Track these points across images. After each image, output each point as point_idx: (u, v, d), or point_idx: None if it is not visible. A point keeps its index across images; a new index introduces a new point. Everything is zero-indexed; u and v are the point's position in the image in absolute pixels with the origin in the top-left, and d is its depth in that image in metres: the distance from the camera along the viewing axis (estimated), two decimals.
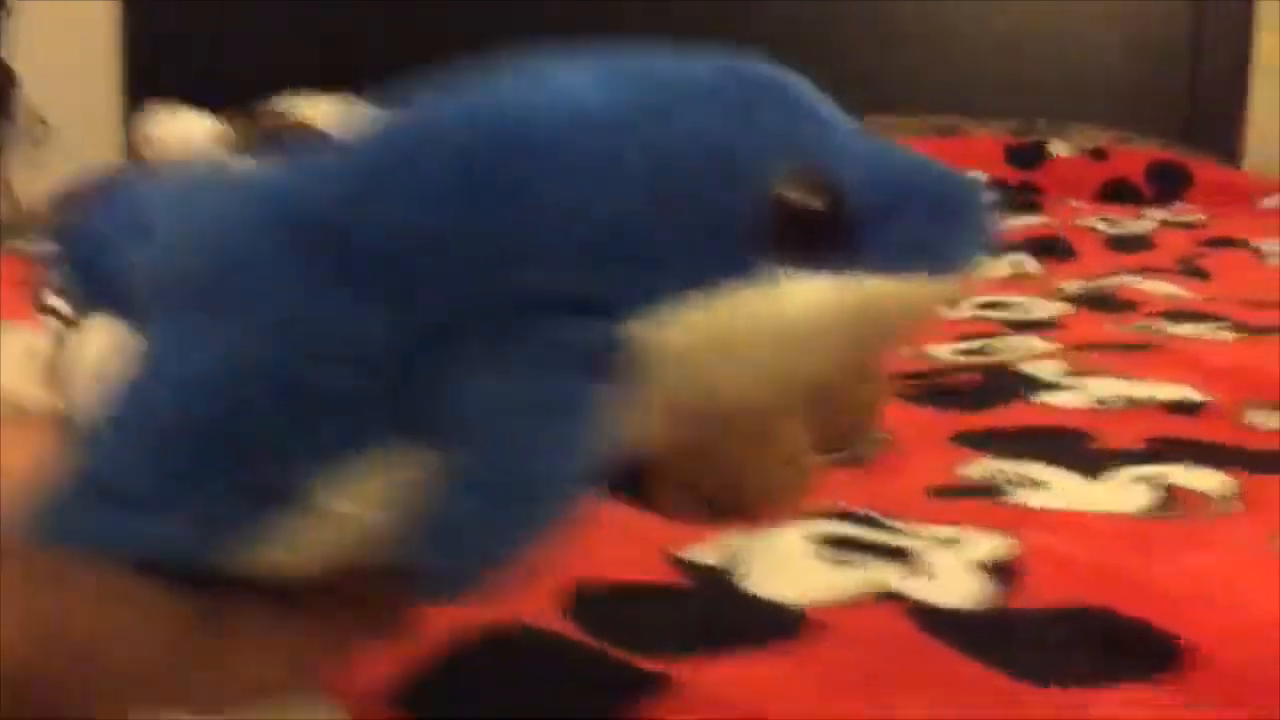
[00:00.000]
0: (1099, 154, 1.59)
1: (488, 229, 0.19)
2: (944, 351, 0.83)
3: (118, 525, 0.20)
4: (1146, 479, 0.53)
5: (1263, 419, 0.65)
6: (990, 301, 1.03)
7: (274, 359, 0.20)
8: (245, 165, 0.23)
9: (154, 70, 2.07)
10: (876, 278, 0.20)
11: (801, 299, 0.20)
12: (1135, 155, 1.60)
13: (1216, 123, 1.89)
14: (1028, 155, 1.60)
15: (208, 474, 0.20)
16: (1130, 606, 0.38)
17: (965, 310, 1.01)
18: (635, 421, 0.20)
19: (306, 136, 0.46)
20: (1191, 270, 1.18)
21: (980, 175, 1.57)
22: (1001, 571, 0.41)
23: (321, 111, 0.42)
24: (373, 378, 0.20)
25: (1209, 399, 0.68)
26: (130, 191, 0.25)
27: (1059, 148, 1.60)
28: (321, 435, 0.20)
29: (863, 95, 1.79)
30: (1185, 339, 0.83)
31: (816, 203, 0.20)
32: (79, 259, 0.24)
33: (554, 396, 0.19)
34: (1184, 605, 0.38)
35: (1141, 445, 0.58)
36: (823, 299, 0.20)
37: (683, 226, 0.20)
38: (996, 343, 0.85)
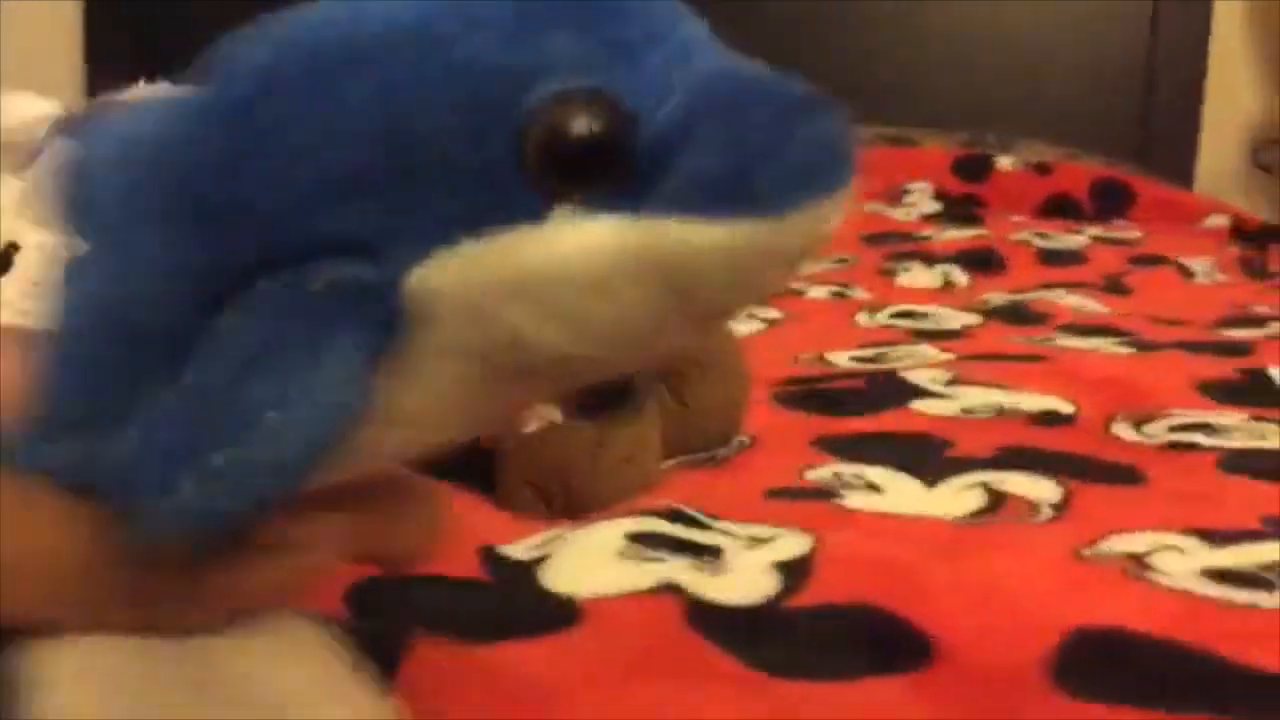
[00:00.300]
0: (1043, 169, 1.59)
1: (256, 168, 0.19)
2: (841, 358, 0.83)
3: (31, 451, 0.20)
4: (980, 485, 0.54)
5: (1126, 431, 0.66)
6: (905, 311, 1.04)
7: (111, 295, 0.20)
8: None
9: (117, 56, 2.07)
10: (667, 218, 0.18)
11: (577, 240, 0.18)
12: (1079, 171, 1.61)
13: (1169, 143, 1.90)
14: (974, 168, 1.60)
15: (73, 400, 0.21)
16: (902, 605, 0.38)
17: (878, 319, 1.02)
18: (430, 374, 0.19)
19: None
20: (1115, 287, 1.19)
21: (925, 185, 1.60)
22: (793, 570, 0.41)
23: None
24: (186, 315, 0.19)
25: (1077, 411, 0.69)
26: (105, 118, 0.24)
27: (1004, 162, 1.61)
28: (143, 371, 0.19)
29: None
30: (1078, 352, 0.83)
31: (590, 130, 0.18)
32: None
33: (287, 337, 0.18)
34: (955, 606, 0.38)
35: (990, 453, 0.59)
36: (601, 240, 0.18)
37: (449, 163, 0.18)
38: (894, 351, 0.85)
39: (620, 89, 0.18)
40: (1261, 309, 1.10)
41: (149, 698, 0.21)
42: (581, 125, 0.18)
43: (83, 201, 0.21)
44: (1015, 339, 0.91)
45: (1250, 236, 1.49)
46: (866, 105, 1.86)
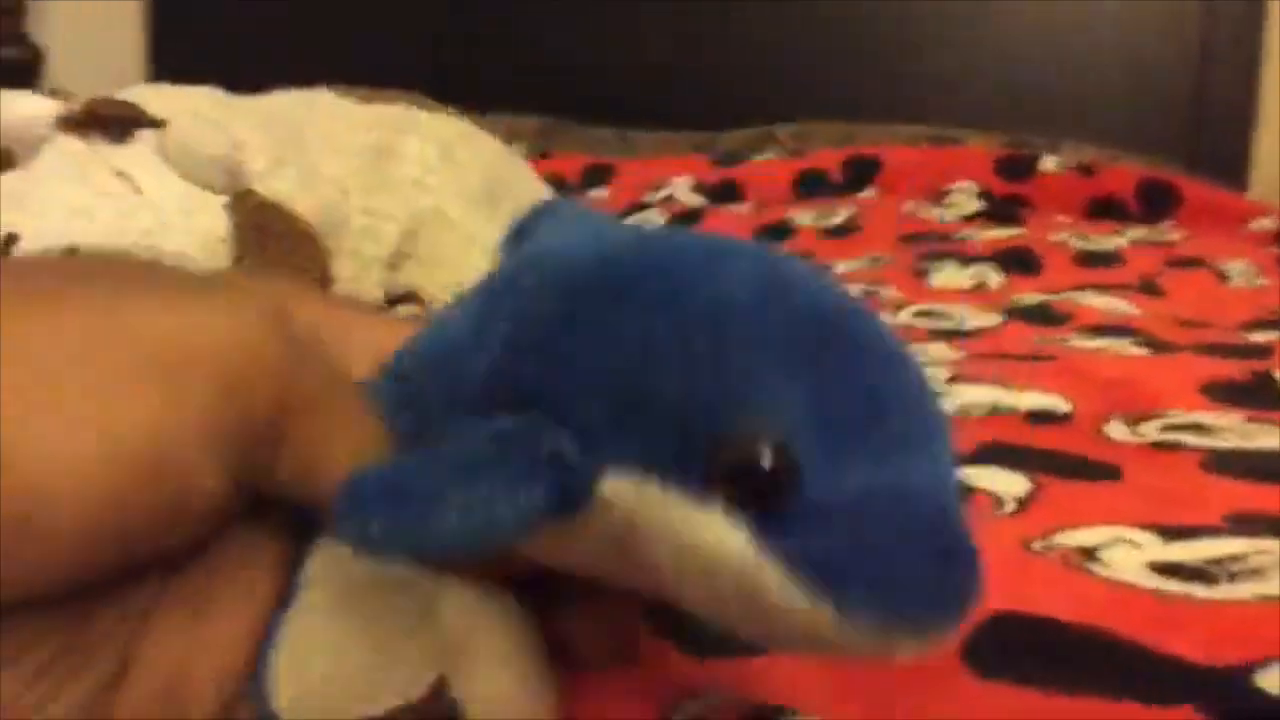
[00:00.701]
0: (1086, 170, 1.58)
1: (566, 342, 0.24)
2: None
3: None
4: None
5: (1119, 430, 0.66)
6: (927, 310, 1.04)
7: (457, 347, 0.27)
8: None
9: (179, 48, 2.12)
10: (780, 564, 0.21)
11: (716, 532, 0.22)
12: (1125, 173, 1.59)
13: (1223, 143, 1.87)
14: (1017, 168, 1.60)
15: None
16: None
17: (900, 318, 1.03)
18: (573, 546, 0.25)
19: (129, 118, 0.49)
20: (1149, 288, 1.18)
21: (969, 185, 1.59)
22: None
23: (168, 101, 0.45)
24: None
25: (1074, 409, 0.69)
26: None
27: (1048, 163, 1.60)
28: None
29: (862, 104, 1.82)
30: (1089, 352, 0.83)
31: (767, 468, 0.22)
32: None
33: (508, 471, 0.23)
34: None
35: (972, 449, 0.59)
36: (731, 543, 0.22)
37: (671, 427, 0.23)
38: None
39: (809, 454, 0.22)
40: None
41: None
42: (759, 461, 0.22)
43: (495, 273, 0.29)
44: (1032, 339, 0.91)
45: None
46: (912, 104, 1.87)
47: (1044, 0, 1.91)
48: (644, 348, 0.23)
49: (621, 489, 0.23)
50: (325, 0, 2.13)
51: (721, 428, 0.22)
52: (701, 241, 0.26)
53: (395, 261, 0.52)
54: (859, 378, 0.23)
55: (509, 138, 1.85)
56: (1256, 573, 0.43)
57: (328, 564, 0.27)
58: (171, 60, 2.13)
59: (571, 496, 0.23)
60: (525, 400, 0.24)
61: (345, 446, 0.26)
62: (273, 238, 0.47)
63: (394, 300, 0.52)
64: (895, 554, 0.21)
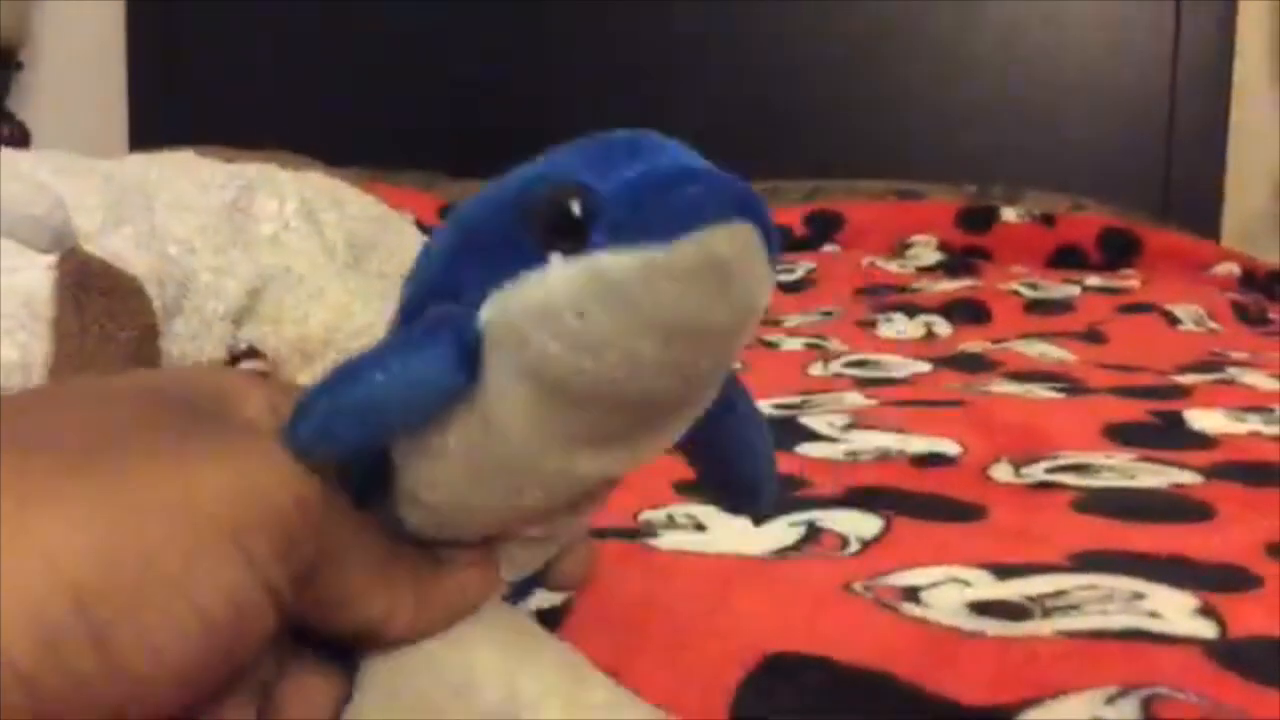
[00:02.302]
0: (1048, 220, 1.58)
1: (431, 244, 0.30)
2: (763, 406, 0.84)
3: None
4: (806, 523, 0.54)
5: (1002, 472, 0.65)
6: (859, 360, 1.04)
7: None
8: None
9: (160, 124, 2.15)
10: (606, 252, 0.25)
11: (557, 275, 0.26)
12: (1086, 222, 1.59)
13: (1194, 189, 1.87)
14: (977, 220, 1.60)
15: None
16: (625, 638, 0.39)
17: (831, 368, 1.02)
18: (506, 389, 0.27)
19: None
20: (1093, 335, 1.18)
21: (928, 238, 1.60)
22: (549, 614, 0.42)
23: (3, 164, 0.46)
24: None
25: (963, 453, 0.68)
26: None
27: (1009, 214, 1.60)
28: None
29: (830, 160, 1.83)
30: (998, 398, 0.83)
31: (565, 203, 0.26)
32: None
33: (411, 340, 0.27)
34: (665, 634, 0.39)
35: (840, 492, 0.59)
36: (569, 274, 0.26)
37: (499, 241, 0.27)
38: (817, 398, 0.85)
39: (589, 179, 0.27)
40: (1239, 354, 1.08)
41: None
42: (557, 202, 0.26)
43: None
44: (952, 385, 0.90)
45: (1256, 284, 1.47)
46: (880, 158, 1.88)
47: (1011, 53, 1.93)
48: (471, 205, 0.29)
49: (492, 311, 0.27)
50: (306, 71, 2.17)
51: (528, 203, 0.27)
52: None
53: (239, 318, 0.52)
54: (622, 138, 0.28)
55: None
56: (1073, 608, 0.43)
57: (373, 675, 0.31)
58: (152, 134, 2.16)
59: (465, 339, 0.27)
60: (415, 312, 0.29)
61: (361, 582, 0.29)
62: (94, 295, 0.47)
63: (237, 356, 0.53)
64: (668, 185, 0.26)
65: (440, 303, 0.28)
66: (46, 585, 0.23)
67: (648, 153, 0.27)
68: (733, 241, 0.25)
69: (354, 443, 0.27)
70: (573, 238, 0.26)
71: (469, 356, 0.27)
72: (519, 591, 0.34)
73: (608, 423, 0.28)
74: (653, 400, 0.28)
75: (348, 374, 0.27)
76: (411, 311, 0.29)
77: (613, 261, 0.25)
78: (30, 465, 0.25)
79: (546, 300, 0.26)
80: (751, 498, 0.35)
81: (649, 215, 0.25)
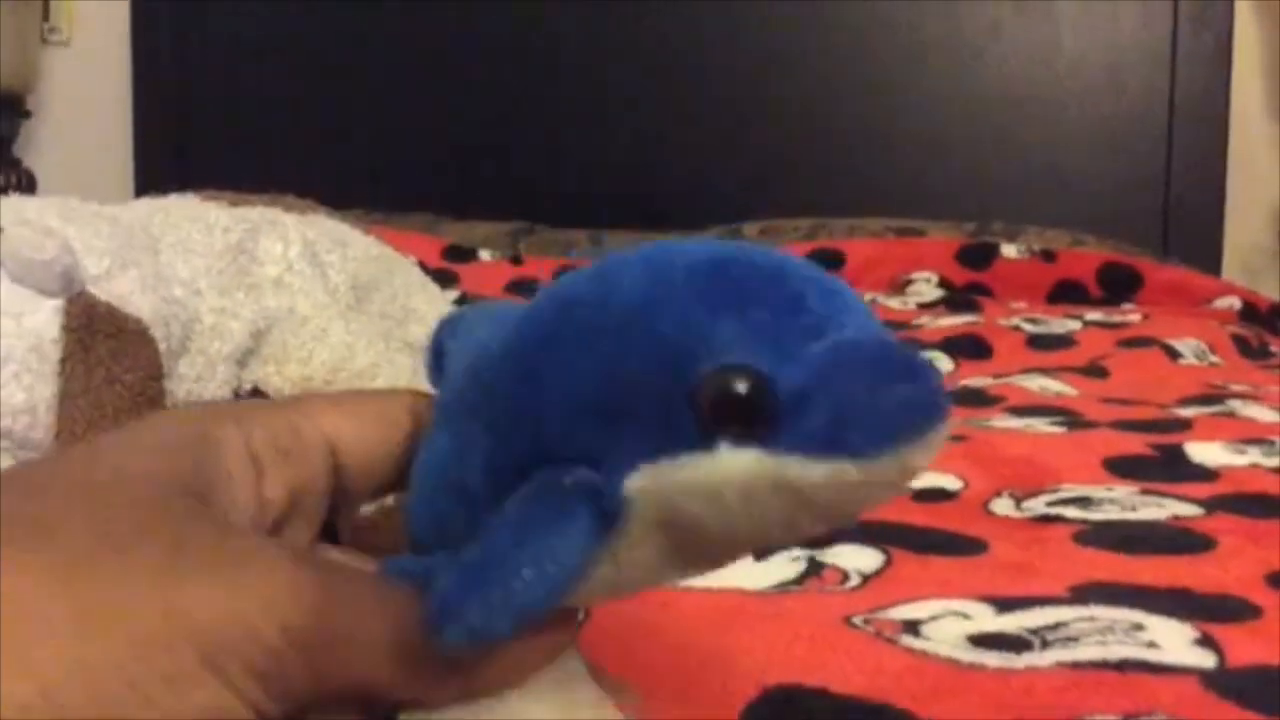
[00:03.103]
0: (1048, 256, 1.59)
1: (535, 395, 0.27)
2: None
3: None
4: (807, 557, 0.54)
5: (1004, 506, 0.65)
6: None
7: (448, 463, 0.30)
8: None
9: (166, 170, 2.17)
10: (793, 456, 0.24)
11: (732, 463, 0.25)
12: (1086, 257, 1.60)
13: (1194, 224, 1.88)
14: (977, 256, 1.61)
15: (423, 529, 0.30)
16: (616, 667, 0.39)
17: None
18: (638, 552, 0.27)
19: None
20: (1094, 370, 1.18)
21: (929, 275, 1.60)
22: None
23: (8, 210, 0.47)
24: (488, 488, 0.28)
25: (964, 487, 0.69)
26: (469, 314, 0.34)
27: (1009, 250, 1.61)
28: (467, 521, 0.28)
29: (830, 198, 1.84)
30: (1000, 432, 0.83)
31: (739, 391, 0.24)
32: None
33: (549, 517, 0.26)
34: (670, 665, 0.39)
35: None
36: (747, 466, 0.24)
37: (653, 409, 0.25)
38: None
39: (763, 362, 0.25)
40: (1239, 387, 1.08)
41: None
42: (733, 388, 0.25)
43: (441, 395, 0.32)
44: (953, 420, 0.91)
45: (1258, 318, 1.47)
46: (880, 195, 1.89)
47: (1010, 90, 1.94)
48: (596, 359, 0.26)
49: (643, 482, 0.25)
50: (310, 116, 2.19)
51: (692, 381, 0.25)
52: (589, 271, 0.29)
53: (243, 359, 0.53)
54: (770, 290, 0.26)
55: (484, 241, 1.89)
56: (1073, 640, 0.43)
57: None
58: (158, 181, 2.17)
59: (609, 512, 0.26)
60: (527, 467, 0.27)
61: (390, 674, 0.27)
62: (100, 338, 0.48)
63: (241, 397, 0.53)
64: (868, 389, 0.24)
65: (570, 462, 0.26)
66: (25, 694, 0.24)
67: (814, 310, 0.26)
68: (932, 452, 0.24)
69: (508, 637, 0.26)
70: (745, 423, 0.24)
71: (610, 523, 0.26)
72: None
73: (729, 556, 0.28)
74: (753, 546, 0.28)
75: (495, 569, 0.26)
76: (533, 457, 0.27)
77: (800, 470, 0.24)
78: (23, 573, 0.25)
79: (714, 486, 0.25)
80: None
81: (847, 429, 0.24)
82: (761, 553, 0.55)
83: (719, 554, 0.28)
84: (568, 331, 0.27)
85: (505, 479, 0.27)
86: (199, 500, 0.28)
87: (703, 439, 0.25)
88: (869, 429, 0.24)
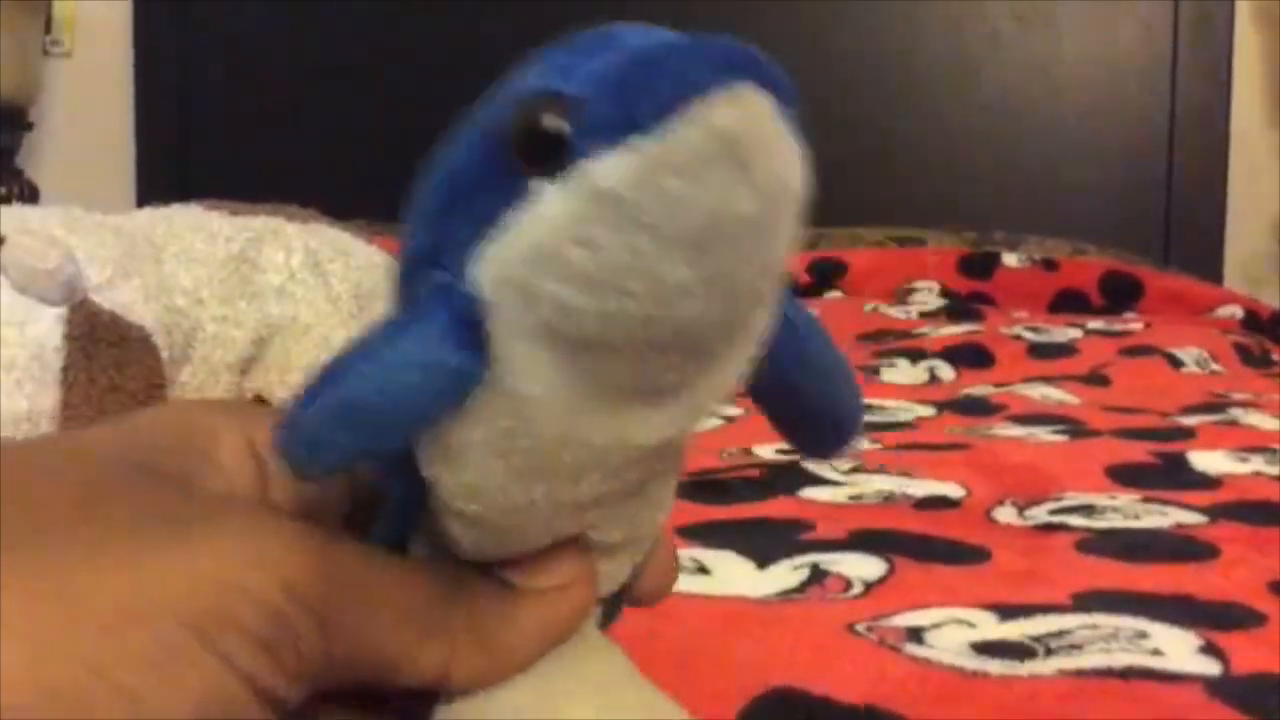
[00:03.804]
0: (1050, 265, 1.59)
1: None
2: (767, 450, 0.84)
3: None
4: (809, 565, 0.54)
5: (1007, 514, 0.65)
6: (865, 404, 1.04)
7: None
8: None
9: (167, 180, 2.17)
10: (594, 162, 0.21)
11: (552, 205, 0.21)
12: (1087, 266, 1.60)
13: (1195, 232, 1.88)
14: (979, 266, 1.61)
15: None
16: None
17: None
18: (522, 357, 0.23)
19: None
20: (1095, 378, 1.18)
21: (931, 284, 1.60)
22: None
23: (10, 220, 0.47)
24: None
25: (967, 495, 0.69)
26: None
27: (1010, 259, 1.61)
28: None
29: (831, 207, 1.84)
30: (1002, 441, 0.83)
31: (531, 123, 0.22)
32: None
33: (394, 322, 0.23)
34: (666, 669, 0.39)
35: (842, 536, 0.59)
36: (564, 200, 0.21)
37: (473, 184, 0.23)
38: None
39: (560, 84, 0.22)
40: (1242, 395, 1.08)
41: None
42: (530, 118, 0.22)
43: None
44: (955, 429, 0.91)
45: (1260, 326, 1.47)
46: (882, 207, 1.89)
47: (1010, 101, 1.95)
48: (436, 159, 0.24)
49: (489, 270, 0.23)
50: (312, 126, 2.19)
51: (503, 129, 0.22)
52: None
53: (245, 367, 0.53)
54: (589, 34, 0.24)
55: None
56: (1075, 647, 0.43)
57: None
58: (160, 191, 2.18)
59: (464, 312, 0.23)
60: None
61: (404, 639, 0.25)
62: (103, 346, 0.48)
63: None
64: (654, 69, 0.21)
65: (426, 273, 0.24)
66: None
67: (615, 40, 0.23)
68: (736, 109, 0.21)
69: (352, 451, 0.23)
70: (556, 157, 0.22)
71: (470, 329, 0.23)
72: (607, 611, 0.30)
73: (652, 370, 0.23)
74: (696, 330, 0.23)
75: (333, 372, 0.23)
76: (402, 292, 0.25)
77: (603, 170, 0.21)
78: None
79: (547, 239, 0.22)
80: (838, 431, 0.28)
81: (630, 103, 0.21)
82: (765, 560, 0.55)
83: (619, 367, 0.23)
84: (438, 157, 0.25)
85: None
86: (161, 477, 0.25)
87: (524, 189, 0.22)
88: (653, 97, 0.21)
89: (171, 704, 0.21)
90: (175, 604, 0.22)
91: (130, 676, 0.21)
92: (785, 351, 0.26)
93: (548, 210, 0.21)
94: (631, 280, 0.21)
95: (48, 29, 2.24)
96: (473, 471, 0.24)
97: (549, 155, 0.21)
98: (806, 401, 0.27)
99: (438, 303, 0.23)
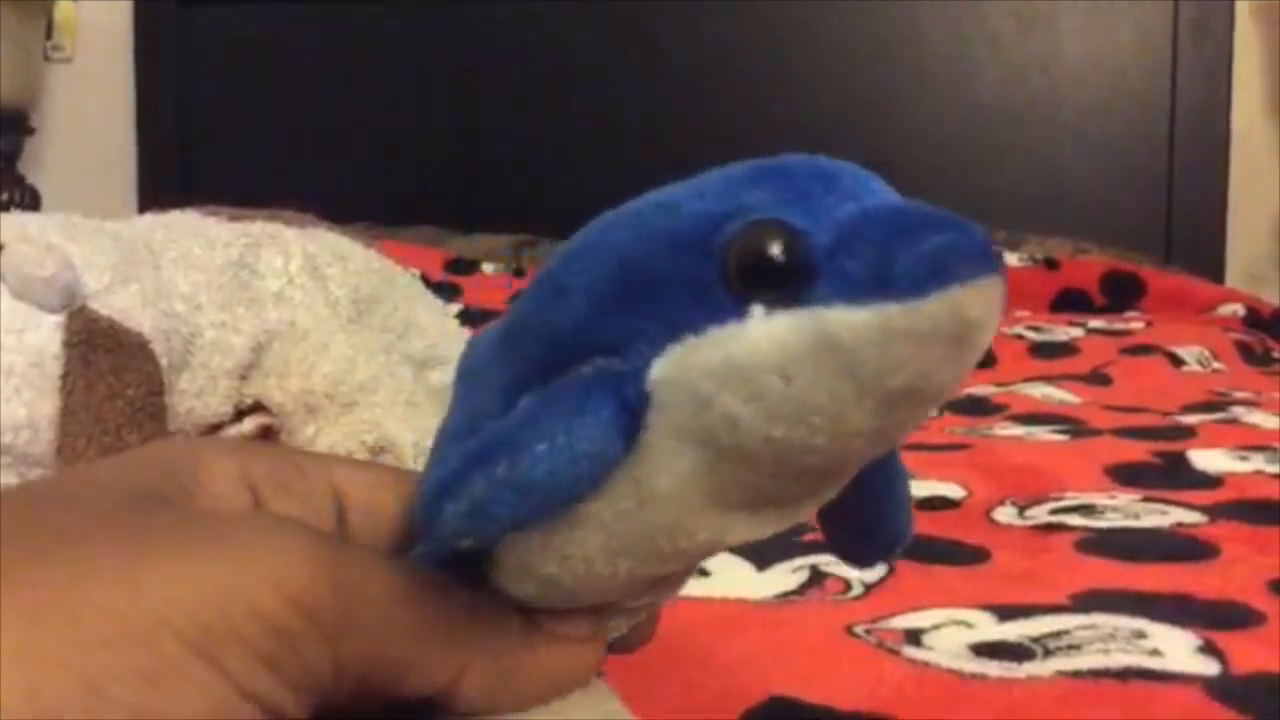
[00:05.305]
0: (1051, 264, 1.59)
1: (559, 301, 0.25)
2: None
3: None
4: (808, 567, 0.54)
5: (1007, 515, 0.65)
6: None
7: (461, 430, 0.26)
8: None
9: (168, 186, 2.18)
10: (833, 306, 0.22)
11: (765, 331, 0.22)
12: (1089, 265, 1.60)
13: (1196, 231, 1.88)
14: None
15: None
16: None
17: None
18: (670, 454, 0.23)
19: None
20: (1097, 377, 1.18)
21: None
22: None
23: (7, 227, 0.47)
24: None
25: (967, 496, 0.68)
26: None
27: (1012, 258, 1.61)
28: None
29: None
30: (1003, 440, 0.83)
31: (770, 247, 0.22)
32: None
33: (566, 401, 0.23)
34: (666, 674, 0.39)
35: None
36: (783, 329, 0.22)
37: (675, 284, 0.23)
38: None
39: (795, 218, 0.23)
40: (1243, 394, 1.08)
41: None
42: (763, 244, 0.22)
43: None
44: (956, 429, 0.91)
45: (1262, 324, 1.47)
46: None
47: (1010, 100, 1.94)
48: (619, 247, 0.24)
49: (669, 369, 0.23)
50: (312, 130, 2.19)
51: (719, 243, 0.23)
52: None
53: (244, 373, 0.53)
54: (805, 166, 0.24)
55: (486, 254, 1.89)
56: (1074, 648, 0.43)
57: None
58: (160, 196, 2.18)
59: (631, 403, 0.23)
60: (548, 380, 0.25)
61: (415, 650, 0.25)
62: (101, 353, 0.48)
63: (243, 411, 0.53)
64: (910, 235, 0.22)
65: (592, 356, 0.24)
66: None
67: (847, 187, 0.24)
68: (986, 302, 0.22)
69: (511, 524, 0.23)
70: (778, 288, 0.22)
71: (633, 421, 0.23)
72: None
73: (785, 489, 0.24)
74: (845, 465, 0.24)
75: (502, 444, 0.23)
76: (551, 363, 0.25)
77: (843, 320, 0.21)
78: None
79: (745, 360, 0.22)
80: (888, 548, 0.30)
81: (892, 268, 0.22)
82: (764, 562, 0.55)
83: (753, 480, 0.24)
84: (595, 238, 0.25)
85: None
86: (160, 499, 0.25)
87: (733, 306, 0.22)
88: (913, 267, 0.21)
89: (170, 714, 0.21)
90: (174, 618, 0.21)
91: (130, 694, 0.21)
92: (874, 474, 0.27)
93: (761, 336, 0.22)
94: (816, 418, 0.22)
95: (49, 34, 2.25)
96: (575, 538, 0.25)
97: (772, 285, 0.22)
98: (868, 519, 0.29)
99: (607, 391, 0.23)
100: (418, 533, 0.25)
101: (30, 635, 0.20)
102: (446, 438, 0.28)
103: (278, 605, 0.22)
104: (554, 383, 0.24)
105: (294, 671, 0.22)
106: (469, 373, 0.28)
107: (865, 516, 0.28)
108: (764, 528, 0.25)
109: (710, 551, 0.26)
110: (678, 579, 0.28)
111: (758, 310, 0.22)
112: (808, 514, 0.26)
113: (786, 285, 0.22)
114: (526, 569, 0.25)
